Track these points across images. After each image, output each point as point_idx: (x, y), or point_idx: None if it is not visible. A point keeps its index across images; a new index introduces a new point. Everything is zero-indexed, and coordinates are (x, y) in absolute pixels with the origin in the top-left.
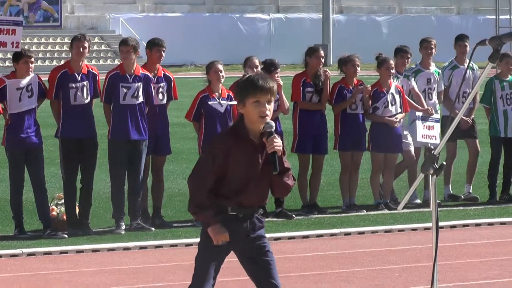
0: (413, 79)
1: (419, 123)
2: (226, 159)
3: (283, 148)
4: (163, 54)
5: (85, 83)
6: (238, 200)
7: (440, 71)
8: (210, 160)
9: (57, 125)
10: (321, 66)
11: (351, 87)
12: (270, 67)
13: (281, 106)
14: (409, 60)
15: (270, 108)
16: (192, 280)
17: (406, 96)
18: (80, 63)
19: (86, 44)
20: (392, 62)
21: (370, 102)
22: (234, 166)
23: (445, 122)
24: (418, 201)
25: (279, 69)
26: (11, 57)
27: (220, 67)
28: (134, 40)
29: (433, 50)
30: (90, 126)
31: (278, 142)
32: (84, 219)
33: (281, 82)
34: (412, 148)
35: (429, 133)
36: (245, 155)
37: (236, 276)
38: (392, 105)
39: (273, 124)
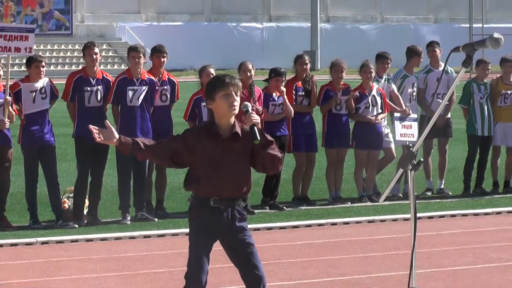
0: (393, 83)
1: (397, 123)
2: (194, 150)
3: (266, 135)
4: (164, 59)
5: (99, 87)
6: (218, 192)
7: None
8: (174, 139)
9: (73, 125)
10: (308, 71)
11: (336, 90)
12: (277, 75)
13: (286, 109)
14: (389, 65)
15: (237, 100)
16: (187, 268)
17: (386, 98)
18: (95, 68)
19: (97, 50)
20: (371, 66)
21: (353, 104)
22: (206, 159)
23: (422, 122)
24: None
25: (283, 77)
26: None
27: (212, 70)
28: (142, 47)
29: (421, 59)
30: (103, 127)
31: (255, 116)
32: (93, 210)
33: (284, 89)
34: (393, 146)
35: (407, 131)
36: (214, 147)
37: (229, 263)
38: (373, 105)
39: (249, 104)
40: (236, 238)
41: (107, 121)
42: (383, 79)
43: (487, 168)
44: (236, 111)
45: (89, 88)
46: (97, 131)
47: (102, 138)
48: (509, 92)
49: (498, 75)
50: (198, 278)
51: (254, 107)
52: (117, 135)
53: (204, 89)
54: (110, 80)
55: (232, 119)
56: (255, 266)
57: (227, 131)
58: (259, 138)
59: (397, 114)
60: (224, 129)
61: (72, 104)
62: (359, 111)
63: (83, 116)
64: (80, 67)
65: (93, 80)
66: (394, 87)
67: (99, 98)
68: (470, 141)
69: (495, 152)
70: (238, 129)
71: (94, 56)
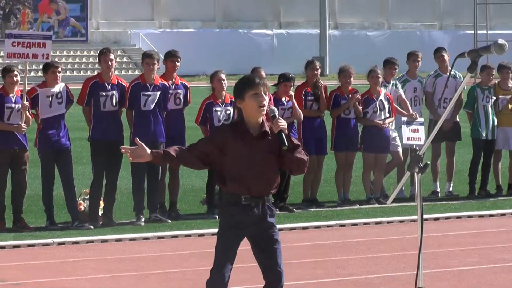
0: (400, 87)
1: (404, 127)
2: (226, 149)
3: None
4: (178, 63)
5: (114, 92)
6: (248, 189)
7: (423, 81)
8: (203, 142)
9: (89, 129)
10: (318, 77)
11: (345, 95)
12: (286, 80)
13: (294, 114)
14: (397, 70)
15: (266, 99)
16: (213, 265)
17: (393, 103)
18: (110, 74)
19: (112, 56)
20: (379, 71)
21: (361, 108)
22: (235, 156)
23: (431, 125)
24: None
25: (292, 82)
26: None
27: (223, 76)
28: (156, 53)
29: (419, 63)
30: (118, 130)
31: (282, 122)
32: (108, 212)
33: (292, 93)
34: (400, 149)
35: (414, 135)
36: (244, 146)
37: (241, 263)
38: (380, 110)
39: (276, 109)
40: (265, 234)
41: (137, 138)
42: (391, 84)
43: (491, 171)
44: (265, 111)
45: (104, 93)
46: (130, 151)
47: (133, 158)
48: (507, 97)
49: (496, 81)
50: (221, 274)
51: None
52: (149, 151)
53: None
54: (125, 85)
55: (261, 118)
56: (278, 263)
57: (256, 130)
58: (286, 144)
59: (404, 118)
60: (253, 127)
61: (88, 108)
62: (367, 115)
63: (98, 120)
64: (95, 72)
65: (108, 85)
66: (401, 92)
67: (114, 103)
68: (474, 145)
69: (497, 156)
70: (267, 128)
71: (110, 62)
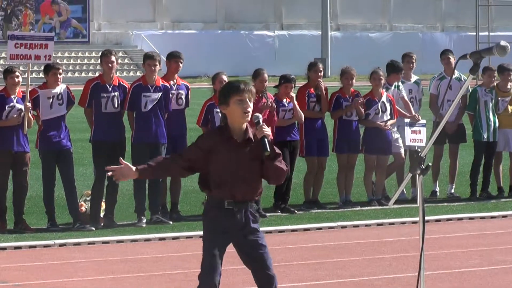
0: (403, 89)
1: (407, 129)
2: (212, 154)
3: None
4: (181, 65)
5: (115, 93)
6: (232, 194)
7: (420, 82)
8: (191, 150)
9: (90, 130)
10: (320, 79)
11: (347, 96)
12: (286, 81)
13: (296, 115)
14: (402, 75)
15: (251, 106)
16: (200, 271)
17: (395, 105)
18: (111, 75)
19: (113, 58)
20: (381, 73)
21: (363, 110)
22: (219, 162)
23: (434, 127)
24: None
25: (292, 83)
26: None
27: (224, 77)
28: (158, 55)
29: (414, 64)
30: (119, 131)
31: (266, 128)
32: (109, 213)
33: (293, 95)
34: (402, 151)
35: (416, 137)
36: (228, 152)
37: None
38: (382, 112)
39: (260, 115)
40: (249, 239)
41: (121, 158)
42: (393, 86)
43: (492, 173)
44: (249, 117)
45: (105, 95)
46: (115, 171)
47: (117, 178)
48: (506, 99)
49: (495, 83)
50: (211, 278)
51: (269, 102)
52: (134, 169)
53: (218, 94)
54: (127, 86)
55: (245, 125)
56: (267, 267)
57: (240, 136)
58: (269, 150)
59: (406, 120)
60: (237, 133)
61: (90, 110)
62: (369, 117)
63: (100, 122)
64: (97, 74)
65: (110, 87)
66: (404, 93)
67: (116, 104)
68: (476, 147)
69: (497, 158)
70: (250, 134)
71: (111, 64)
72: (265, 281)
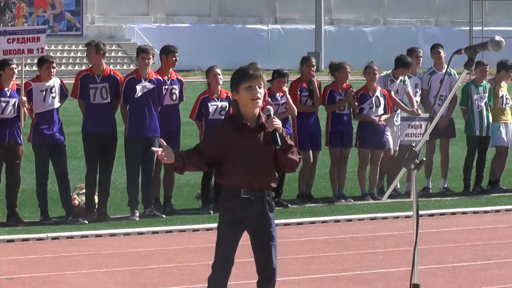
0: (409, 83)
1: (404, 123)
2: (226, 143)
3: (285, 134)
4: (177, 59)
5: (104, 84)
6: (248, 182)
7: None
8: (208, 138)
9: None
10: (313, 73)
11: (340, 90)
12: (279, 76)
13: (289, 109)
14: (409, 69)
15: (261, 92)
16: (214, 260)
17: (396, 99)
18: (101, 67)
19: (95, 50)
20: (375, 67)
21: (357, 103)
22: (235, 150)
23: (426, 123)
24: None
25: (285, 78)
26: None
27: (218, 70)
28: (152, 48)
29: (421, 59)
30: (110, 123)
31: (277, 121)
32: (102, 207)
33: (286, 89)
34: (391, 147)
35: (416, 131)
36: (242, 139)
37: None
38: (377, 106)
39: (271, 108)
40: (262, 229)
41: (161, 139)
42: (399, 79)
43: (486, 167)
44: (259, 104)
45: (94, 86)
46: (161, 152)
47: (166, 158)
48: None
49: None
50: (224, 269)
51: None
52: (173, 155)
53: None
54: (118, 77)
55: (257, 110)
56: (272, 260)
57: (253, 122)
58: (280, 143)
59: (404, 115)
60: (249, 119)
61: (82, 101)
62: (363, 111)
63: (89, 113)
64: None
65: (99, 78)
66: (409, 88)
67: (104, 95)
68: (468, 141)
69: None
70: (264, 120)
71: (95, 56)
72: (268, 273)
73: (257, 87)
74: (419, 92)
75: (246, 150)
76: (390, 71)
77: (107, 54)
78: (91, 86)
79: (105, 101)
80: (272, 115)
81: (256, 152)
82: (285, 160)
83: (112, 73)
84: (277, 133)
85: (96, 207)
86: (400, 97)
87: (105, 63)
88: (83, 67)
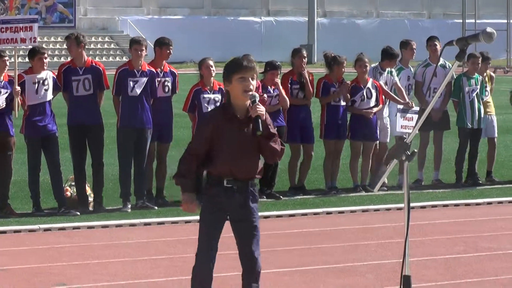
0: (396, 75)
1: (399, 115)
2: (215, 134)
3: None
4: (171, 51)
5: (87, 76)
6: (232, 172)
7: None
8: (199, 137)
9: None
10: (304, 65)
11: (334, 83)
12: (272, 68)
13: (281, 101)
14: (397, 61)
15: (253, 84)
16: (197, 249)
17: (388, 91)
18: (82, 59)
19: (75, 43)
20: (366, 60)
21: (349, 96)
22: (223, 140)
23: (420, 114)
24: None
25: (277, 69)
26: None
27: (211, 62)
28: (144, 40)
29: (415, 51)
30: (94, 114)
31: (260, 107)
32: (98, 198)
33: (278, 81)
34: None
35: (408, 123)
36: (230, 130)
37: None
38: (368, 98)
39: (256, 94)
40: (244, 219)
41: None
42: (386, 71)
43: (479, 159)
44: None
45: (76, 78)
46: (192, 208)
47: (195, 208)
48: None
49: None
50: (208, 256)
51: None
52: (194, 198)
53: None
54: (100, 68)
55: (248, 102)
56: (254, 250)
57: (243, 113)
58: (261, 130)
59: (399, 106)
60: (240, 111)
61: (66, 94)
62: (355, 104)
63: (72, 105)
64: None
65: (81, 70)
66: (397, 79)
67: (87, 87)
68: (460, 133)
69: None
70: (248, 106)
71: (76, 48)
72: (249, 264)
73: (250, 78)
74: (413, 85)
75: (233, 140)
76: (377, 63)
77: (100, 46)
78: (74, 78)
79: (88, 93)
80: (257, 102)
81: (242, 143)
82: (267, 148)
83: (94, 64)
84: (259, 120)
85: (92, 198)
86: (389, 89)
87: (96, 54)
88: None
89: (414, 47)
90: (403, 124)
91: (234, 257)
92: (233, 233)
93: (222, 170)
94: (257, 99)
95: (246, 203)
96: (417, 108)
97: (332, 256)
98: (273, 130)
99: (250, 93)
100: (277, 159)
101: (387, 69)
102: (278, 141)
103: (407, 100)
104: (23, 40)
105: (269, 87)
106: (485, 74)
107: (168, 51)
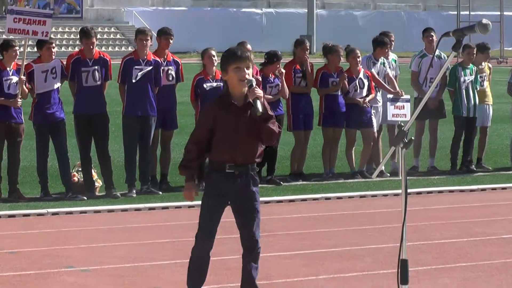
0: (388, 66)
1: (389, 105)
2: (215, 122)
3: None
4: (171, 41)
5: (96, 67)
6: (233, 158)
7: (397, 60)
8: (201, 125)
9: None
10: (307, 56)
11: (332, 72)
12: (273, 58)
13: (282, 91)
14: (389, 50)
15: (249, 73)
16: (197, 231)
17: (381, 80)
18: (92, 52)
19: (94, 40)
20: (358, 52)
21: (347, 85)
22: (223, 127)
23: (417, 104)
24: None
25: (280, 60)
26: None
27: (213, 52)
28: (150, 30)
29: (393, 42)
30: (100, 104)
31: (258, 90)
32: (110, 185)
33: (283, 71)
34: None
35: (399, 112)
36: (229, 117)
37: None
38: (361, 88)
39: (253, 79)
40: (245, 202)
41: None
42: (379, 62)
43: (475, 147)
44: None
45: (85, 69)
46: (192, 197)
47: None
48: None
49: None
50: (207, 239)
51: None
52: (194, 182)
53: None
54: (108, 59)
55: (245, 90)
56: (254, 232)
57: (240, 101)
58: (261, 110)
59: (389, 96)
60: (237, 99)
61: (72, 83)
62: (348, 94)
63: (81, 95)
64: None
65: (90, 61)
66: (389, 70)
67: (96, 78)
68: (455, 122)
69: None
70: (245, 91)
71: (92, 46)
72: (249, 245)
73: (245, 68)
74: (392, 75)
75: (233, 127)
76: (371, 53)
77: (106, 36)
78: (83, 69)
79: (97, 83)
80: (254, 85)
81: (241, 129)
82: (265, 129)
83: (102, 55)
84: (258, 101)
85: (101, 185)
86: (381, 79)
87: (103, 44)
88: None
89: (392, 38)
90: (394, 112)
91: (234, 240)
92: (233, 216)
93: (223, 156)
94: (254, 83)
95: (247, 187)
96: (407, 96)
97: (330, 240)
98: (271, 112)
99: (249, 78)
100: (274, 141)
101: (379, 60)
102: (276, 123)
103: (398, 89)
104: (34, 33)
105: (270, 76)
106: (484, 64)
107: (166, 41)
